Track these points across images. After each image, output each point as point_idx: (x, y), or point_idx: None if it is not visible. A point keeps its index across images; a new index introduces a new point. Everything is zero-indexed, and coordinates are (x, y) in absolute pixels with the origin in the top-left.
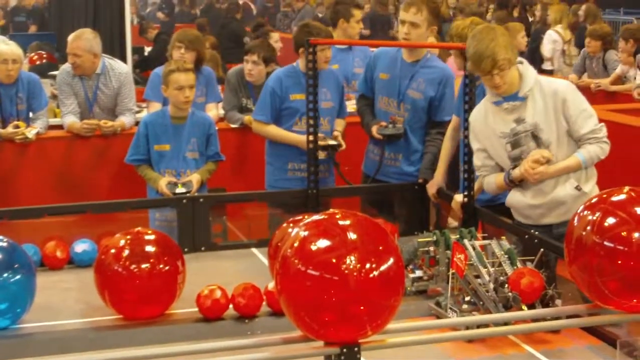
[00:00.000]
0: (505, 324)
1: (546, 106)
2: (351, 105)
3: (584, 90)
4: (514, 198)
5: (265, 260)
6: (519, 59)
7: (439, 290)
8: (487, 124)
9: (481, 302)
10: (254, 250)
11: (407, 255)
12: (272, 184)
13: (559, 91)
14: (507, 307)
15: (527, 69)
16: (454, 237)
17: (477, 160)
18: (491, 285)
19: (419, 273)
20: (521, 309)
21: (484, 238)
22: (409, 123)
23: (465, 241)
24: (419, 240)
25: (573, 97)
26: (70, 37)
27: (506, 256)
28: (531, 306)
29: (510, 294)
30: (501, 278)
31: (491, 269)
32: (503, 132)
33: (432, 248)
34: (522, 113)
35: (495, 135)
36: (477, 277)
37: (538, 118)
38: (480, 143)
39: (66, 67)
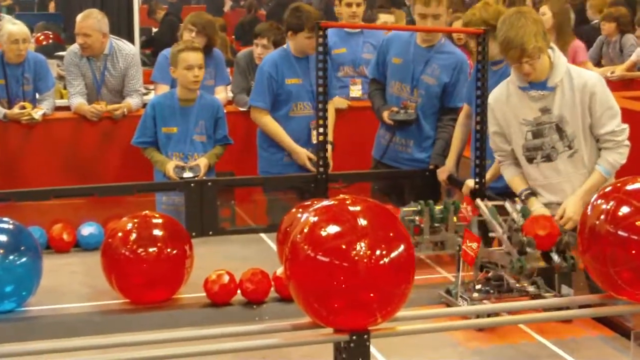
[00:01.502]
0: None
1: (574, 99)
2: (357, 90)
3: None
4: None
5: (274, 246)
6: (551, 44)
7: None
8: (509, 107)
9: (495, 266)
10: (263, 235)
11: None
12: (266, 170)
13: (589, 84)
14: (522, 253)
15: (559, 58)
16: (437, 207)
17: (494, 144)
18: (505, 236)
19: None
20: (537, 256)
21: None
22: (422, 109)
23: (478, 200)
24: (404, 209)
25: (602, 93)
26: (79, 17)
27: (520, 214)
28: (546, 254)
29: (524, 238)
30: (515, 225)
31: (504, 224)
32: (526, 119)
33: (417, 217)
34: (549, 103)
35: (516, 120)
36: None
37: (565, 110)
38: (498, 126)
39: (74, 48)
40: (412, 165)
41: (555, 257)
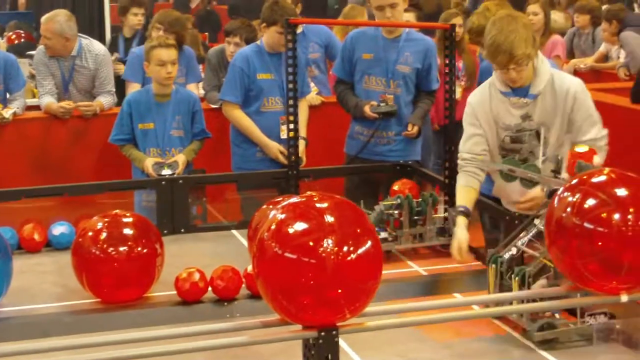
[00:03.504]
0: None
1: (556, 106)
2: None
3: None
4: (502, 193)
5: (246, 242)
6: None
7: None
8: (490, 109)
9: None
10: (234, 232)
11: (374, 219)
12: (240, 166)
13: (571, 91)
14: None
15: (543, 64)
16: (416, 200)
17: (471, 145)
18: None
19: (383, 235)
20: None
21: None
22: (402, 98)
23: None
24: (384, 203)
25: (583, 100)
26: (43, 19)
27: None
28: None
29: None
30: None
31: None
32: (505, 123)
33: (397, 211)
34: (531, 110)
35: (496, 124)
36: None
37: (546, 118)
38: (481, 128)
39: (43, 47)
40: (394, 156)
41: None
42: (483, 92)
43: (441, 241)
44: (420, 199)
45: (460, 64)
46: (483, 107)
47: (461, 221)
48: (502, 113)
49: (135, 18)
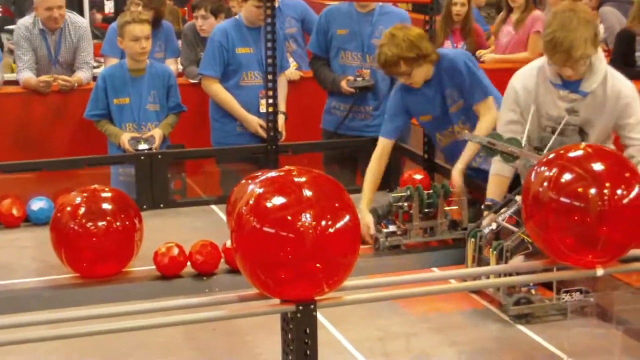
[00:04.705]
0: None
1: (604, 107)
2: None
3: None
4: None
5: (225, 217)
6: None
7: (413, 244)
8: (536, 96)
9: None
10: (214, 206)
11: (382, 211)
12: (220, 141)
13: (623, 95)
14: None
15: (600, 62)
16: (427, 192)
17: (512, 134)
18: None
19: (392, 228)
20: None
21: None
22: (379, 72)
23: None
24: (393, 195)
25: (635, 104)
26: None
27: None
28: None
29: None
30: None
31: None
32: (548, 114)
33: (406, 203)
34: (578, 105)
35: (538, 113)
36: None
37: (593, 115)
38: (520, 115)
39: (24, 22)
40: (371, 131)
41: None
42: (529, 77)
43: (453, 235)
44: (431, 190)
45: (460, 45)
46: (528, 93)
47: (489, 216)
48: (548, 103)
49: None
